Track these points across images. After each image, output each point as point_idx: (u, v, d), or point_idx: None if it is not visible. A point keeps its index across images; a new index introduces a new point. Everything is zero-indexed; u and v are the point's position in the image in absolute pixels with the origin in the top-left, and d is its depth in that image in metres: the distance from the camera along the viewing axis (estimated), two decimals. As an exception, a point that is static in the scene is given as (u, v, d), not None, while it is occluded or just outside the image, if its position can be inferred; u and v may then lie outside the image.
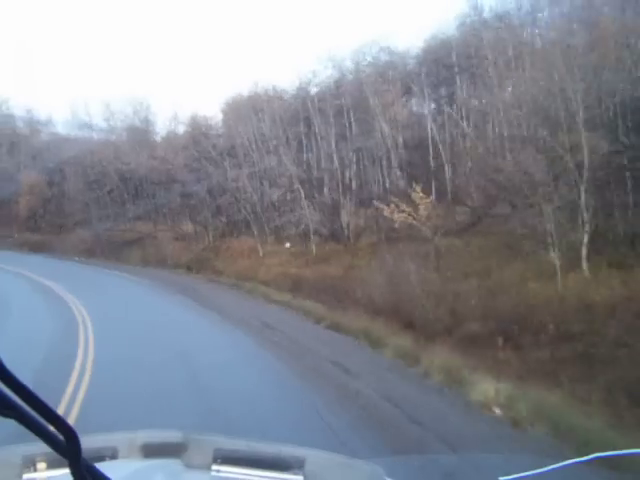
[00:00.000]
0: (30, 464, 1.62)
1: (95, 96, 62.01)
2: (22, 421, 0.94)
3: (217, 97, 61.78)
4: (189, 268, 28.44)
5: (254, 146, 34.35)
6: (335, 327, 13.78)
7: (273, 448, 1.92)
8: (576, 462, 1.91)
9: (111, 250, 34.01)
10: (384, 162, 32.14)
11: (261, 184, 33.11)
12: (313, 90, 37.28)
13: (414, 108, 36.65)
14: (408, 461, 3.04)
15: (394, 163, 31.55)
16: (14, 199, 41.96)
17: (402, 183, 29.21)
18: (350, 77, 36.88)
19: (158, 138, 43.94)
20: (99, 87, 73.18)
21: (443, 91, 36.23)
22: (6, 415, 0.92)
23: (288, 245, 32.22)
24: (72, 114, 45.31)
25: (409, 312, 17.42)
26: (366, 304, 19.30)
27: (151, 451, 1.73)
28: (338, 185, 30.11)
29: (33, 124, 49.36)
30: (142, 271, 27.28)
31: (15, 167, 45.05)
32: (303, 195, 29.39)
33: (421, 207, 21.43)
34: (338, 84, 36.31)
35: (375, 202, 23.70)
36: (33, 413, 0.95)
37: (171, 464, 1.66)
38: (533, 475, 1.83)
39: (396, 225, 21.97)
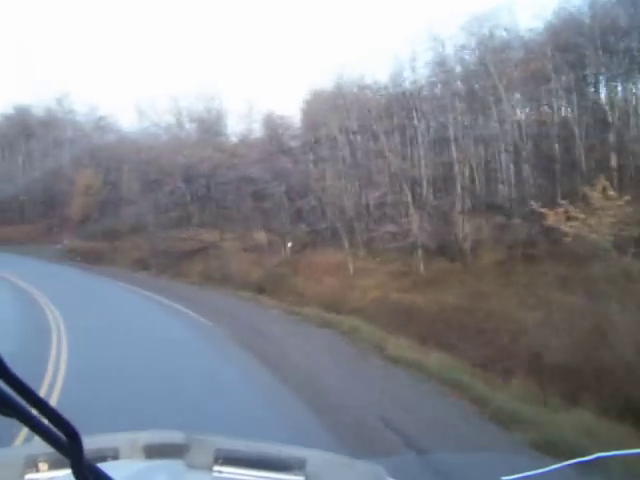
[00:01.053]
0: (32, 464, 1.62)
1: (163, 92, 56.85)
2: (24, 421, 0.92)
3: (298, 89, 55.64)
4: (260, 289, 22.08)
5: (344, 139, 27.93)
6: (545, 446, 6.56)
7: (275, 448, 1.91)
8: (578, 462, 1.90)
9: (168, 262, 28.15)
10: (505, 157, 25.05)
11: (352, 184, 26.55)
12: (412, 76, 30.86)
13: (542, 93, 29.48)
14: (410, 461, 3.03)
15: (523, 158, 24.32)
16: (67, 201, 37.20)
17: (543, 182, 22.01)
18: (458, 58, 30.23)
19: (231, 137, 38.43)
20: (167, 83, 68.33)
21: (576, 73, 29.13)
22: (8, 415, 0.90)
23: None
24: (138, 110, 40.46)
25: (619, 382, 10.50)
26: (527, 361, 12.39)
27: (153, 452, 1.71)
28: (455, 185, 23.10)
29: (96, 121, 45.05)
30: (199, 295, 20.51)
31: (73, 166, 40.64)
32: (410, 197, 22.54)
33: (600, 212, 14.32)
34: (443, 67, 29.68)
35: (534, 205, 16.51)
36: (35, 413, 0.93)
37: (173, 465, 1.64)
38: (535, 475, 1.80)
39: (568, 238, 14.78)
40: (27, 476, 1.61)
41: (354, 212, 25.72)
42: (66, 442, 0.97)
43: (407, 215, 23.05)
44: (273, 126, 34.56)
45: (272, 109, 36.21)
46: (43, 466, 1.61)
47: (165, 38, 65.60)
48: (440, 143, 27.17)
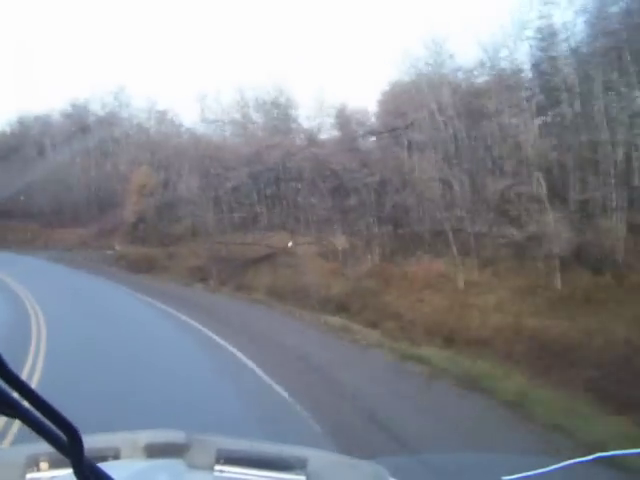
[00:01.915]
0: (33, 464, 1.60)
1: (228, 83, 52.74)
2: (25, 420, 0.92)
3: (379, 72, 50.41)
4: (344, 308, 17.10)
5: (442, 124, 22.72)
6: None
7: (276, 448, 1.89)
8: (579, 462, 1.88)
9: (231, 271, 23.54)
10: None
11: (454, 177, 21.24)
12: (516, 50, 25.43)
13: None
14: (410, 461, 2.88)
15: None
16: (122, 202, 33.40)
17: None
18: (574, 27, 24.56)
19: (303, 126, 33.70)
20: (232, 73, 64.01)
21: None
22: (9, 414, 0.90)
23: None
24: (200, 103, 36.44)
25: None
26: None
27: (154, 451, 1.68)
28: (608, 173, 17.45)
29: (155, 115, 41.48)
30: (267, 322, 15.15)
31: (130, 164, 37.10)
32: (544, 191, 17.02)
33: None
34: (555, 37, 24.09)
35: None
36: (36, 412, 0.92)
37: (174, 464, 1.62)
38: (536, 475, 1.78)
39: None
40: (28, 475, 1.59)
41: (458, 210, 20.47)
42: (67, 442, 0.96)
43: (536, 213, 17.59)
44: (352, 113, 29.63)
45: (349, 96, 31.47)
46: (44, 465, 1.59)
47: (232, 27, 61.47)
48: (564, 124, 21.67)
